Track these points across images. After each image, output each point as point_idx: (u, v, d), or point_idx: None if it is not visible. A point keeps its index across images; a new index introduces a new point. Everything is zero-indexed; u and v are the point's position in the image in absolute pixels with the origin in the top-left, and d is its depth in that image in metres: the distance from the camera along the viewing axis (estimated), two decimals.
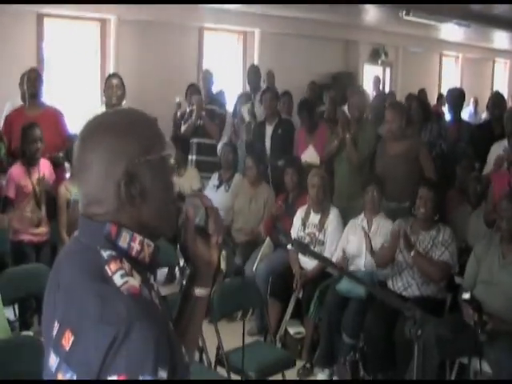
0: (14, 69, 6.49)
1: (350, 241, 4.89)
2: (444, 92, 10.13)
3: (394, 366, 4.21)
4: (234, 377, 3.76)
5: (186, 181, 6.35)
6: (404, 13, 10.72)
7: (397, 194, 5.11)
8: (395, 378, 4.17)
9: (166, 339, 1.21)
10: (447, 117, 7.59)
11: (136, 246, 1.33)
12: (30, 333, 4.34)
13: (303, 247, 2.13)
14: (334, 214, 5.12)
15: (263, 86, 8.08)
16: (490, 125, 6.45)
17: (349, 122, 5.65)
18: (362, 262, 4.75)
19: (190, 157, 6.81)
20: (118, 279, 1.24)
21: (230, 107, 7.67)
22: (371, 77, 11.66)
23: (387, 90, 12.31)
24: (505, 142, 5.45)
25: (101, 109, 5.77)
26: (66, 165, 5.57)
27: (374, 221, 4.83)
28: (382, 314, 4.17)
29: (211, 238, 1.51)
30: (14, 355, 2.90)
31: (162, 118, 8.95)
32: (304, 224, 5.17)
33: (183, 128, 6.95)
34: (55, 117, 5.72)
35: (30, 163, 5.01)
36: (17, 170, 5.01)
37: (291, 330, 5.05)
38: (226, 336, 3.93)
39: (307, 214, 5.20)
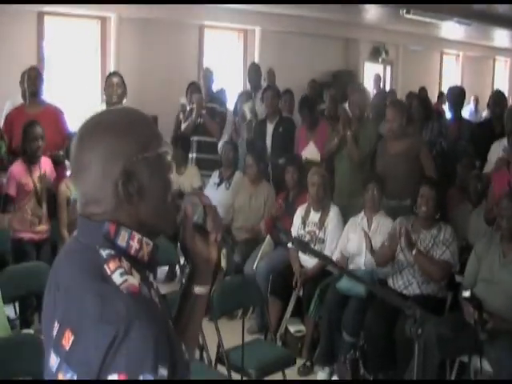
0: (15, 67, 6.49)
1: (350, 239, 4.89)
2: (444, 90, 10.13)
3: (394, 365, 4.20)
4: (235, 375, 3.76)
5: (187, 179, 6.35)
6: (404, 11, 10.71)
7: (397, 192, 5.11)
8: (395, 377, 4.16)
9: (166, 337, 1.21)
10: (448, 115, 7.58)
11: (135, 245, 1.33)
12: (31, 331, 4.34)
13: (303, 245, 2.13)
14: (334, 212, 5.12)
15: (264, 84, 8.08)
16: (490, 123, 6.44)
17: (350, 120, 5.65)
18: (362, 261, 4.74)
19: (190, 155, 6.81)
20: (117, 278, 1.24)
21: (230, 105, 7.67)
22: (372, 75, 11.64)
23: (388, 88, 12.30)
24: (505, 141, 5.44)
25: (101, 107, 5.77)
26: (67, 163, 5.56)
27: (374, 219, 4.83)
28: (383, 312, 4.17)
29: (210, 235, 1.51)
30: (15, 353, 2.90)
31: (162, 116, 9.02)
32: (304, 222, 5.17)
33: (183, 126, 6.96)
34: (55, 115, 5.72)
35: (31, 161, 5.01)
36: (18, 167, 5.01)
37: (291, 329, 5.05)
38: (227, 334, 3.93)
39: (307, 213, 5.20)
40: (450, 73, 15.24)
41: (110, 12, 8.46)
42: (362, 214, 4.90)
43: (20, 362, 2.87)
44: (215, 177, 6.45)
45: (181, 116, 7.17)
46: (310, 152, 6.21)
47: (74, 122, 5.64)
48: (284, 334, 5.06)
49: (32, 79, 5.71)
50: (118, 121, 1.36)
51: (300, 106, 6.62)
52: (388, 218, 4.79)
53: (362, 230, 4.65)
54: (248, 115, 7.10)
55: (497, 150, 5.40)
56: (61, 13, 8.16)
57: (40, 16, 7.95)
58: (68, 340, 1.21)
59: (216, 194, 6.21)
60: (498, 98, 6.73)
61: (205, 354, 3.98)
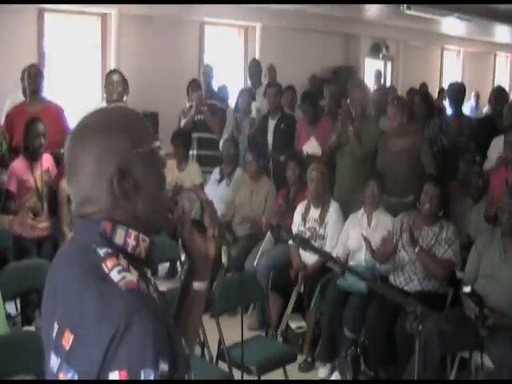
0: (15, 64, 6.48)
1: (350, 236, 4.89)
2: (445, 86, 10.11)
3: (395, 361, 4.21)
4: (236, 371, 3.76)
5: (188, 175, 6.36)
6: (405, 7, 10.69)
7: (398, 188, 5.11)
8: (396, 373, 4.17)
9: (166, 332, 1.21)
10: (448, 111, 7.57)
11: (131, 242, 1.33)
12: (32, 328, 4.35)
13: (304, 242, 2.13)
14: (334, 208, 5.12)
15: (264, 80, 8.08)
16: (491, 119, 6.44)
17: (351, 116, 5.64)
18: (362, 257, 4.75)
19: (191, 151, 6.81)
20: (115, 275, 1.24)
21: (231, 102, 7.67)
22: (372, 71, 11.63)
23: (388, 84, 12.29)
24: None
25: (101, 104, 5.77)
26: None
27: (373, 215, 4.82)
28: (384, 308, 4.18)
29: (207, 230, 1.52)
30: (16, 350, 2.90)
31: (162, 113, 8.98)
32: (304, 219, 5.17)
33: (182, 122, 6.96)
34: (56, 112, 5.72)
35: (32, 158, 5.01)
36: (19, 164, 5.01)
37: (293, 325, 5.05)
38: (228, 331, 3.93)
39: (307, 209, 5.20)
40: (451, 69, 15.22)
41: (111, 8, 8.45)
42: (362, 210, 4.90)
43: (21, 359, 2.88)
44: (216, 173, 6.46)
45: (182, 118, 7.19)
46: (312, 147, 6.21)
47: (74, 120, 5.62)
48: (285, 330, 5.06)
49: (32, 77, 5.71)
50: (109, 119, 1.37)
51: (302, 101, 6.62)
52: (388, 215, 4.80)
53: (361, 234, 4.64)
54: (254, 114, 7.07)
55: (497, 146, 5.39)
56: (61, 9, 8.14)
57: (40, 13, 7.94)
58: (68, 340, 1.21)
59: (217, 190, 6.22)
60: (499, 93, 6.73)
61: (206, 351, 3.99)
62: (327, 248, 4.98)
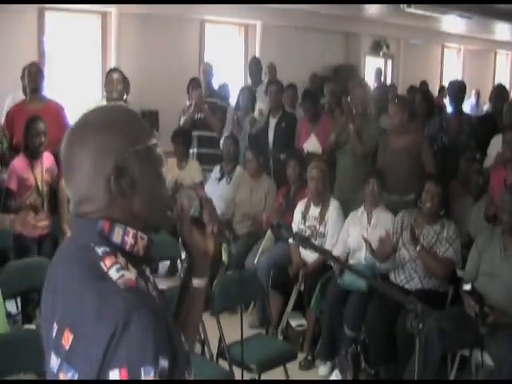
0: (15, 62, 6.48)
1: (350, 234, 4.89)
2: (445, 84, 10.10)
3: (395, 359, 4.21)
4: (236, 369, 3.76)
5: (188, 173, 6.36)
6: (405, 5, 10.68)
7: (398, 187, 5.11)
8: (397, 371, 4.17)
9: (165, 329, 1.22)
10: (448, 109, 7.56)
11: (129, 240, 1.33)
12: (33, 326, 4.35)
13: (304, 241, 2.13)
14: (334, 206, 5.12)
15: (264, 78, 8.07)
16: (491, 117, 6.43)
17: (352, 114, 5.63)
18: (362, 255, 4.75)
19: (191, 150, 6.81)
20: (113, 273, 1.25)
21: (232, 100, 7.66)
22: (373, 69, 11.61)
23: (389, 82, 12.28)
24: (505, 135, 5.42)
25: (102, 103, 5.76)
26: None
27: (373, 213, 4.83)
28: (384, 306, 4.18)
29: (206, 228, 1.53)
30: (17, 349, 2.91)
31: (162, 111, 8.98)
32: (304, 217, 5.17)
33: (182, 120, 6.96)
34: (56, 111, 5.71)
35: (33, 156, 5.02)
36: (19, 162, 5.01)
37: (293, 323, 5.06)
38: (228, 329, 3.93)
39: (307, 207, 5.20)
40: (451, 66, 15.20)
41: (111, 7, 8.45)
42: (362, 208, 4.90)
43: (22, 358, 2.88)
44: (216, 171, 6.46)
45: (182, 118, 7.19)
46: (312, 144, 6.21)
47: (74, 118, 5.62)
48: (285, 328, 5.07)
49: (32, 75, 5.71)
50: (105, 118, 1.37)
51: (303, 99, 6.63)
52: (388, 213, 4.80)
53: (362, 236, 4.64)
54: (256, 115, 7.05)
55: (497, 144, 5.39)
56: (61, 8, 8.13)
57: (41, 11, 7.93)
58: (67, 339, 1.21)
59: (217, 188, 6.22)
60: (499, 91, 6.73)
61: (206, 349, 3.99)
62: (327, 246, 4.98)
